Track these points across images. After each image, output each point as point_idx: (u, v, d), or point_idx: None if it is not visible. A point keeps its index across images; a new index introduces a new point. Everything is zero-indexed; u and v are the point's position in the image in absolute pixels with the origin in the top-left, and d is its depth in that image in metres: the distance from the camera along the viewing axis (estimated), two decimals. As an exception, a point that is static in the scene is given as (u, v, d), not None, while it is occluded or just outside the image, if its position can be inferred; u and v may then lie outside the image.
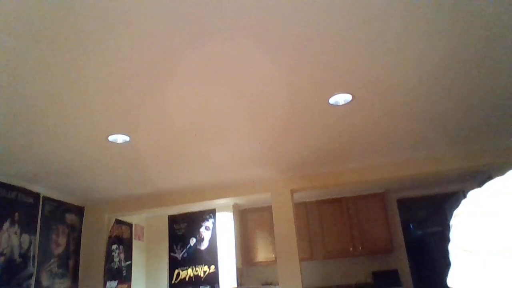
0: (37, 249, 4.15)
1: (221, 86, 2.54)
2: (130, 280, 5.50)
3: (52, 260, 4.38)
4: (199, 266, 5.67)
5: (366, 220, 5.79)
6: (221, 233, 5.73)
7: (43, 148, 3.27)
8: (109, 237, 5.11)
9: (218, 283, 5.50)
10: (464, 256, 0.49)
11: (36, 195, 4.24)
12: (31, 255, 4.06)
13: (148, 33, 1.96)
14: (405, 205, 6.24)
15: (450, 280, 0.51)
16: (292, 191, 4.80)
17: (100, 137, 3.16)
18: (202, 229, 5.82)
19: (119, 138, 3.21)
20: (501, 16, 2.04)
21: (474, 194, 0.53)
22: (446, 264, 0.53)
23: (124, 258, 5.43)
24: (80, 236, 4.96)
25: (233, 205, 5.81)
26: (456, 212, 0.54)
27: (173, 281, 5.73)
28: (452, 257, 0.52)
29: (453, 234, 0.53)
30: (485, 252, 0.47)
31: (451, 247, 0.53)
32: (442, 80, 2.70)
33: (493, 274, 0.45)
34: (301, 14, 1.91)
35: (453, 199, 6.17)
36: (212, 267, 5.60)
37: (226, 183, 4.82)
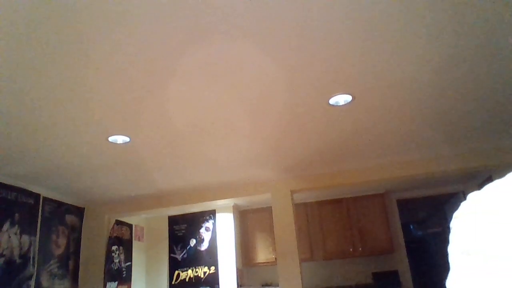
0: (37, 250, 4.15)
1: (221, 86, 2.54)
2: (130, 281, 5.49)
3: (52, 261, 4.37)
4: (199, 267, 5.67)
5: (366, 221, 5.79)
6: (221, 234, 5.73)
7: (43, 148, 3.27)
8: (109, 238, 5.11)
9: (218, 284, 5.50)
10: (463, 259, 0.49)
11: (36, 196, 4.24)
12: (31, 256, 4.06)
13: (148, 33, 1.96)
14: (405, 205, 6.24)
15: (449, 282, 0.51)
16: (292, 192, 4.80)
17: (100, 138, 3.16)
18: (202, 230, 5.82)
19: (119, 139, 3.21)
20: (501, 16, 2.04)
21: (473, 196, 0.53)
22: (446, 265, 0.53)
23: (124, 259, 5.43)
24: (80, 237, 4.96)
25: (233, 206, 5.80)
26: (455, 214, 0.54)
27: (173, 282, 5.73)
28: (451, 259, 0.52)
29: (452, 236, 0.53)
30: (484, 254, 0.46)
31: (450, 249, 0.53)
32: (442, 81, 2.70)
33: (492, 277, 0.45)
34: (301, 14, 1.91)
35: (453, 199, 6.17)
36: (212, 268, 5.60)
37: (226, 183, 4.82)
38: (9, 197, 3.87)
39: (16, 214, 3.92)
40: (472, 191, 0.55)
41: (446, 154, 4.38)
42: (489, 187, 0.52)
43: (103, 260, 4.93)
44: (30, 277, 4.01)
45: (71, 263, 4.71)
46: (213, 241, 5.72)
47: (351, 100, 2.87)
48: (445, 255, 0.55)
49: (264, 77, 2.46)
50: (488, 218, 0.48)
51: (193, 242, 5.81)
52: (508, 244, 0.45)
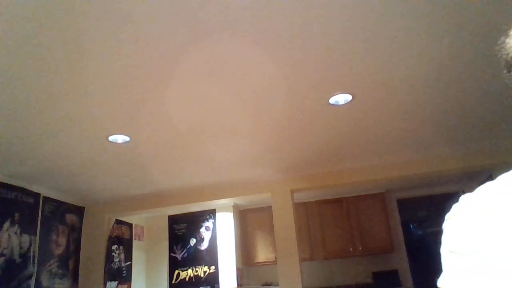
0: (37, 249, 4.15)
1: (221, 86, 2.54)
2: (130, 280, 5.49)
3: (52, 261, 4.37)
4: (199, 267, 5.67)
5: (366, 220, 5.79)
6: (221, 233, 5.73)
7: (43, 148, 3.27)
8: (109, 237, 5.11)
9: (218, 284, 5.50)
10: (452, 258, 0.49)
11: (36, 195, 4.24)
12: (31, 255, 4.06)
13: (148, 33, 1.96)
14: (405, 205, 6.23)
15: (442, 283, 0.51)
16: (292, 191, 4.80)
17: (100, 137, 3.16)
18: (202, 229, 5.82)
19: (119, 138, 3.21)
20: (501, 16, 2.04)
21: (465, 197, 0.54)
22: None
23: (124, 258, 5.43)
24: (80, 236, 4.96)
25: (233, 205, 5.80)
26: (447, 216, 0.54)
27: (173, 282, 5.73)
28: (444, 260, 0.52)
29: (444, 237, 0.53)
30: (479, 255, 0.46)
31: (442, 250, 0.53)
32: (442, 80, 2.69)
33: (487, 278, 0.45)
34: (301, 14, 1.91)
35: (453, 199, 6.15)
36: (212, 267, 5.60)
37: (226, 183, 4.82)
38: (9, 197, 3.87)
39: (16, 214, 3.92)
40: (472, 190, 0.55)
41: (446, 153, 4.38)
42: (481, 189, 0.52)
43: (103, 260, 4.93)
44: (30, 277, 4.01)
45: (71, 263, 4.71)
46: (213, 240, 5.72)
47: (351, 100, 2.87)
48: (444, 254, 0.55)
49: (264, 76, 2.46)
50: (482, 219, 0.48)
51: (193, 241, 5.82)
52: (502, 244, 0.45)
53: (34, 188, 4.22)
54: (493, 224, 0.47)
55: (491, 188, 0.51)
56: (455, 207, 0.54)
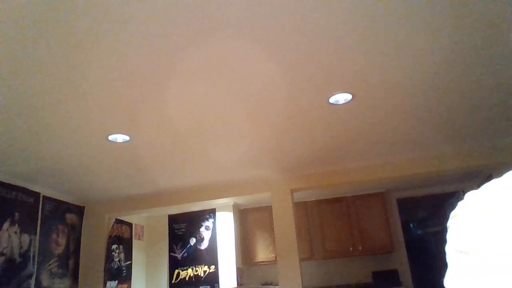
0: (37, 249, 4.15)
1: (221, 86, 2.54)
2: (130, 280, 5.50)
3: (52, 260, 4.38)
4: (199, 266, 5.67)
5: (366, 220, 5.79)
6: (221, 233, 5.73)
7: (43, 148, 3.27)
8: (109, 236, 5.11)
9: (218, 283, 5.50)
10: (459, 258, 0.49)
11: (36, 195, 4.24)
12: (31, 255, 4.06)
13: (149, 33, 1.96)
14: (405, 205, 6.24)
15: (446, 281, 0.51)
16: (292, 191, 4.80)
17: (100, 137, 3.16)
18: (202, 229, 5.82)
19: (119, 138, 3.21)
20: (501, 15, 2.04)
21: (470, 195, 0.53)
22: (446, 264, 0.53)
23: (124, 258, 5.43)
24: (80, 236, 4.96)
25: (233, 205, 5.81)
26: (452, 214, 0.54)
27: (173, 281, 5.73)
28: (449, 258, 0.52)
29: (449, 235, 0.53)
30: (481, 255, 0.47)
31: (447, 248, 0.53)
32: (442, 80, 2.70)
33: (487, 276, 0.45)
34: (301, 14, 1.91)
35: (453, 199, 6.17)
36: (212, 267, 5.60)
37: (226, 183, 4.82)
38: (9, 196, 3.87)
39: (16, 213, 3.92)
40: (472, 190, 0.55)
41: (446, 153, 4.38)
42: (486, 187, 0.52)
43: (103, 259, 4.93)
44: (30, 276, 4.01)
45: (71, 262, 4.71)
46: (213, 240, 5.72)
47: (351, 99, 2.87)
48: (445, 254, 0.55)
49: (264, 76, 2.46)
50: (486, 218, 0.48)
51: (193, 241, 5.82)
52: (507, 242, 0.45)
53: (34, 187, 4.22)
54: (498, 223, 0.47)
55: (497, 186, 0.51)
56: (460, 204, 0.54)
